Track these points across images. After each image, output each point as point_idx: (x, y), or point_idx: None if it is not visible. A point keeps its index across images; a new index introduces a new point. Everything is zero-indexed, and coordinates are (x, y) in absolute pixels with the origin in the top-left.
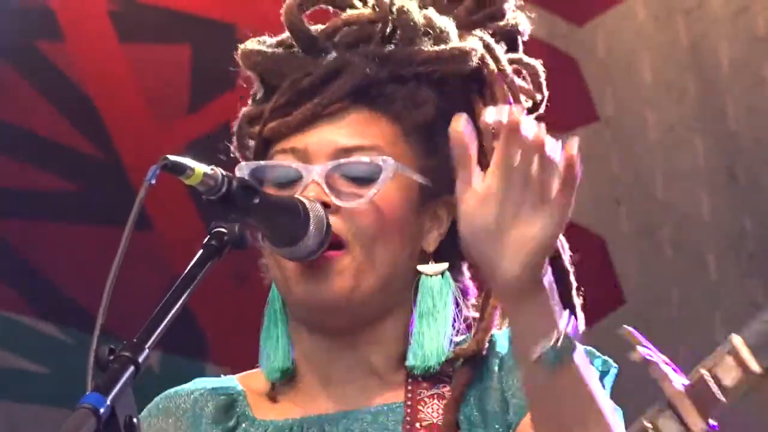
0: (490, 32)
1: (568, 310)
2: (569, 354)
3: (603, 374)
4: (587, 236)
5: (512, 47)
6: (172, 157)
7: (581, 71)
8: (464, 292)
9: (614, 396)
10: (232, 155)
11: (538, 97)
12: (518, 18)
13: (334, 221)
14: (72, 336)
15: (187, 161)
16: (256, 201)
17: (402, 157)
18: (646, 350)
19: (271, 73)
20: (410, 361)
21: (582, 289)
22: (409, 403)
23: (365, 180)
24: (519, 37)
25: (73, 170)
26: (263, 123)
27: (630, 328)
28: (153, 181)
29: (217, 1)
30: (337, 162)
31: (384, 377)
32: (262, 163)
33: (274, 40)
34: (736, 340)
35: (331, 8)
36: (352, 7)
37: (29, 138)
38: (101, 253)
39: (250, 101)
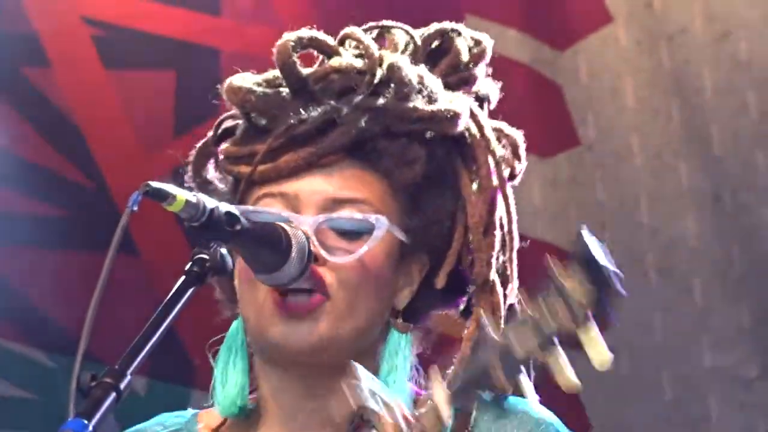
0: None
1: None
2: None
3: None
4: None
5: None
6: (153, 184)
7: (564, 97)
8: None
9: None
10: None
11: (517, 166)
12: (489, 86)
13: (321, 271)
14: (58, 362)
15: (169, 188)
16: (238, 228)
17: (389, 214)
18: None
19: (260, 113)
20: None
21: None
22: None
23: (355, 235)
24: (486, 104)
25: (59, 196)
26: (255, 165)
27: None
28: (135, 208)
29: (201, 26)
30: (329, 216)
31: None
32: (251, 208)
33: (260, 77)
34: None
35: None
36: (338, 54)
37: (16, 164)
38: (88, 279)
39: (230, 141)
